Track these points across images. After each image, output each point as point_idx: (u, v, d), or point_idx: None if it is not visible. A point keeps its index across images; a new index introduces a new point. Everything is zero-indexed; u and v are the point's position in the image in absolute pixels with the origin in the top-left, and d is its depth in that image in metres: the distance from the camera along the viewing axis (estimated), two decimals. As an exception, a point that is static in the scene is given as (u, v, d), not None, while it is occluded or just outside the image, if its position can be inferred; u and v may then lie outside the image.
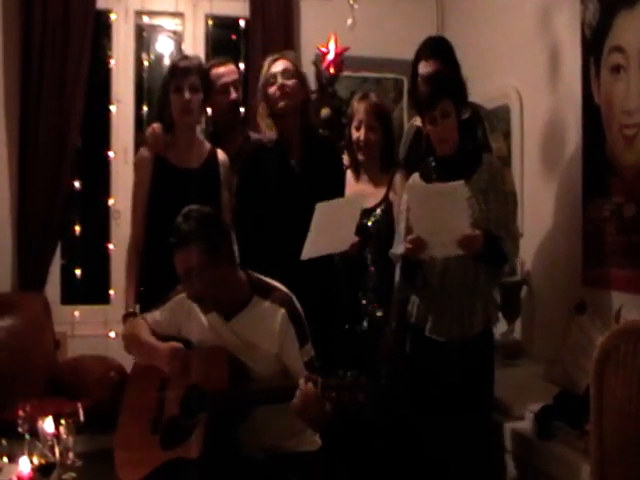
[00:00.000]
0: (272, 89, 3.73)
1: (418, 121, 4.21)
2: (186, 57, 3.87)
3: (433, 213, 3.27)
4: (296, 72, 3.79)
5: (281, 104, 3.71)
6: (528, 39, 4.56)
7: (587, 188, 4.01)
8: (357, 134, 3.80)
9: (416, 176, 3.56)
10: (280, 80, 3.71)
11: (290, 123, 3.77)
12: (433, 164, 3.51)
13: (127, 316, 3.50)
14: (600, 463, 2.79)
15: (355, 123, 3.82)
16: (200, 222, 2.92)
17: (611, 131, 3.82)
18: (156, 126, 3.74)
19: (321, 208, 3.44)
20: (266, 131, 3.82)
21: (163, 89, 3.71)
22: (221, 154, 3.78)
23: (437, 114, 3.40)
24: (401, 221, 3.55)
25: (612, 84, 3.80)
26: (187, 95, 3.60)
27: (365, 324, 3.77)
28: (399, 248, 3.46)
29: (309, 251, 3.44)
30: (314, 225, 3.43)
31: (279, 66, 3.75)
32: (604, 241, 3.84)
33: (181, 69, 3.64)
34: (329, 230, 3.45)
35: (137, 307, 3.55)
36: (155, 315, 3.19)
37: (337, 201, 3.59)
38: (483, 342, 3.48)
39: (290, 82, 3.73)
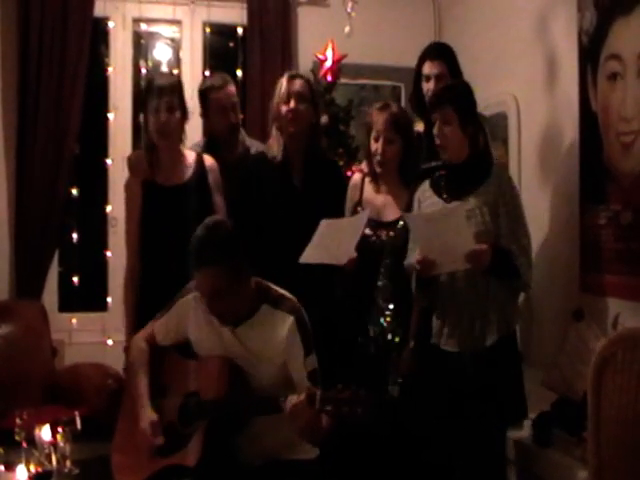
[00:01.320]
0: (284, 109, 3.76)
1: (419, 126, 4.22)
2: (162, 75, 3.81)
3: (437, 236, 3.30)
4: (311, 96, 3.82)
5: (291, 129, 3.76)
6: (525, 46, 4.57)
7: (584, 195, 4.01)
8: (375, 146, 3.72)
9: (426, 185, 3.59)
10: (293, 104, 3.74)
11: (296, 144, 3.81)
12: (442, 172, 3.53)
13: (127, 349, 3.51)
14: (598, 470, 2.79)
15: (374, 134, 3.73)
16: (226, 242, 2.89)
17: (608, 138, 3.82)
18: (137, 152, 3.76)
19: (325, 224, 3.50)
20: (274, 147, 3.83)
21: (142, 108, 3.68)
22: (208, 159, 3.78)
23: (437, 118, 3.42)
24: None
25: (609, 91, 3.80)
26: (163, 117, 3.57)
27: (372, 332, 3.72)
28: (413, 257, 3.46)
29: (308, 256, 3.47)
30: (316, 236, 3.48)
31: (295, 86, 3.78)
32: (601, 248, 3.84)
33: (157, 88, 3.60)
34: (330, 243, 3.48)
35: None
36: (162, 323, 3.19)
37: (342, 220, 3.63)
38: (501, 352, 3.41)
39: (303, 107, 3.76)
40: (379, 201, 3.79)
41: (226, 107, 4.11)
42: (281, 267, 3.40)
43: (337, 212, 3.75)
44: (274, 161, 3.82)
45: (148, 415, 2.99)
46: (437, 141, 3.45)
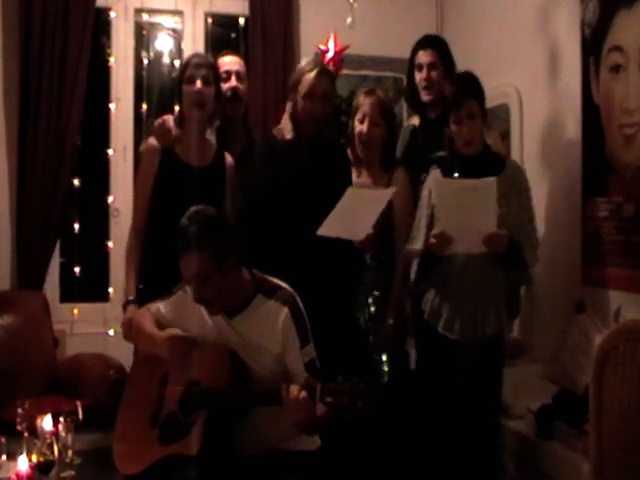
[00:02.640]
0: (306, 108, 3.63)
1: (414, 120, 4.23)
2: (199, 55, 3.86)
3: (462, 209, 3.27)
4: (333, 93, 3.75)
5: (310, 128, 3.66)
6: (528, 38, 4.56)
7: (586, 187, 4.02)
8: (360, 127, 3.77)
9: (437, 172, 3.57)
10: (317, 108, 3.62)
11: (310, 129, 3.72)
12: (455, 162, 3.51)
13: (127, 304, 3.56)
14: (599, 463, 2.80)
15: (359, 116, 3.78)
16: (208, 227, 2.89)
17: (610, 130, 3.82)
18: (167, 118, 3.74)
19: (351, 192, 3.46)
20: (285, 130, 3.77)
21: (177, 84, 3.72)
22: (228, 157, 3.78)
23: (463, 114, 3.41)
24: (422, 217, 3.54)
25: (611, 84, 3.80)
26: (199, 85, 3.61)
27: (362, 320, 3.74)
28: (417, 243, 3.46)
29: (326, 229, 3.42)
30: (339, 206, 3.42)
31: (323, 87, 3.63)
32: (603, 240, 3.85)
33: (194, 63, 3.67)
34: (351, 213, 3.43)
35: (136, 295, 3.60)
36: (160, 307, 3.19)
37: (369, 191, 3.61)
38: (494, 346, 3.47)
39: (327, 108, 3.67)
40: (360, 185, 3.78)
41: (228, 70, 4.12)
42: (290, 248, 3.41)
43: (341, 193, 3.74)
44: (283, 141, 3.74)
45: (164, 333, 3.02)
46: (465, 137, 3.43)
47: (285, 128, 3.78)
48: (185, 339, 3.00)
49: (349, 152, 3.90)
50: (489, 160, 3.49)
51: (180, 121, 3.71)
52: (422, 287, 3.59)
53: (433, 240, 3.33)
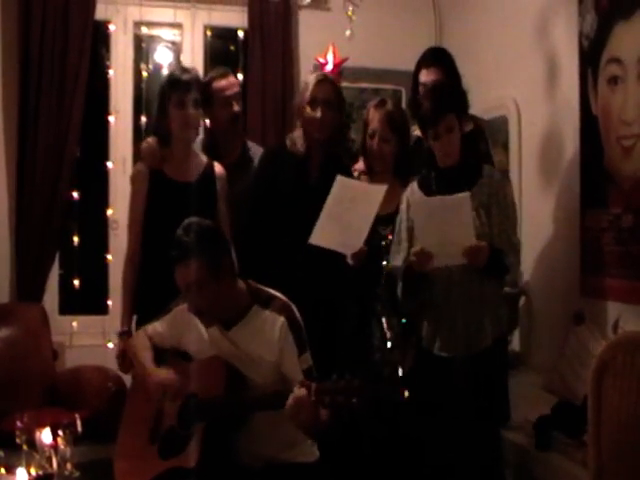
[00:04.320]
0: (309, 113, 3.70)
1: (417, 131, 4.22)
2: (186, 70, 3.81)
3: (438, 226, 3.26)
4: (337, 101, 3.77)
5: (317, 135, 3.71)
6: (526, 50, 4.57)
7: (585, 198, 4.02)
8: (371, 143, 3.74)
9: (414, 186, 3.54)
10: (320, 113, 3.68)
11: (319, 146, 3.76)
12: (433, 174, 3.49)
13: (122, 334, 3.59)
14: (598, 474, 2.80)
15: (369, 131, 3.75)
16: (201, 236, 2.91)
17: (609, 142, 3.82)
18: (151, 140, 3.75)
19: (342, 182, 3.47)
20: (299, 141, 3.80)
21: (161, 100, 3.69)
22: (218, 167, 3.78)
23: (441, 130, 3.35)
24: (401, 231, 3.50)
25: (610, 95, 3.81)
26: (190, 111, 3.60)
27: (388, 334, 3.70)
28: (398, 259, 3.44)
29: (317, 236, 3.43)
30: (331, 199, 3.44)
31: (323, 92, 3.70)
32: (602, 251, 3.85)
33: (184, 83, 3.62)
34: (343, 216, 3.44)
35: (133, 325, 3.63)
36: (156, 326, 3.21)
37: (360, 184, 3.59)
38: (494, 354, 3.41)
39: (330, 115, 3.70)
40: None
41: (229, 96, 4.09)
42: (291, 262, 3.40)
43: None
44: (295, 154, 3.78)
45: (156, 376, 3.04)
46: (443, 150, 3.40)
47: (298, 137, 3.81)
48: (175, 387, 3.00)
49: (364, 164, 3.88)
50: (466, 171, 3.46)
51: (166, 140, 3.70)
52: (410, 306, 3.55)
53: (413, 258, 3.31)
